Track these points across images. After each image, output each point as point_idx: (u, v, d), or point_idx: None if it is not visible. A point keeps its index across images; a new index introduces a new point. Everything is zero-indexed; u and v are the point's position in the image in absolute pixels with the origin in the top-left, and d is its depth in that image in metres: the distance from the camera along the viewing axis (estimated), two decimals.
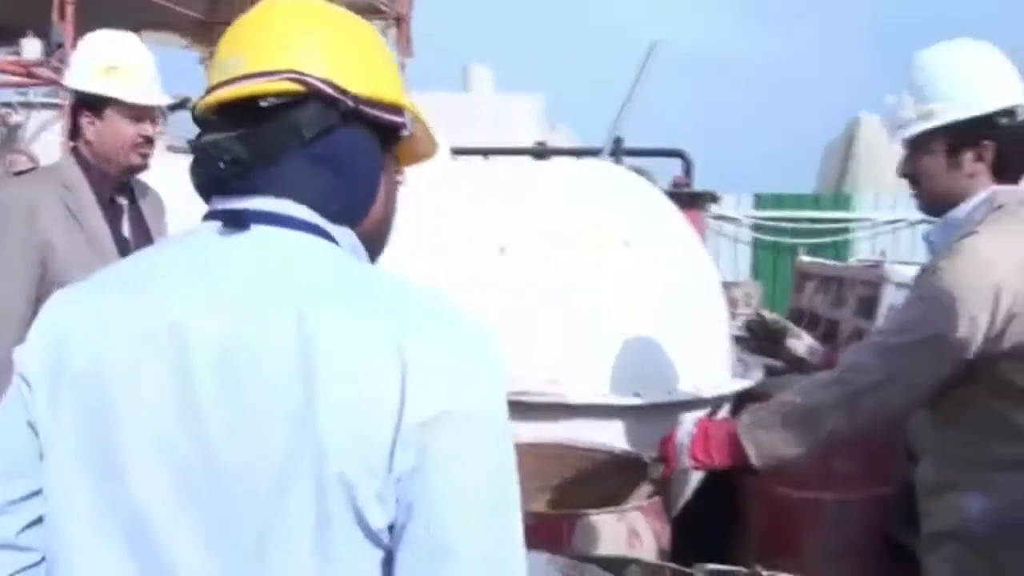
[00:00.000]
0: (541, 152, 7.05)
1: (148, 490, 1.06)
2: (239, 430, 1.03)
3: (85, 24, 7.22)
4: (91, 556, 1.09)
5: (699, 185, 7.06)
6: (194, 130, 1.26)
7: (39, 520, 1.19)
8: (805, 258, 8.25)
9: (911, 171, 2.26)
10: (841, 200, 12.07)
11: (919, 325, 2.07)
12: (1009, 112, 2.14)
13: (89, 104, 2.86)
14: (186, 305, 1.08)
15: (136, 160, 2.90)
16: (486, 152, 7.02)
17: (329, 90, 1.15)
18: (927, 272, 2.16)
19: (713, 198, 6.82)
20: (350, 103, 1.17)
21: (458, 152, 6.50)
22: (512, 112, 11.50)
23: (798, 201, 12.10)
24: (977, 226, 2.09)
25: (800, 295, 7.11)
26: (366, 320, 1.05)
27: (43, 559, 1.21)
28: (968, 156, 2.16)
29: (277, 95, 1.14)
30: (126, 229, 2.94)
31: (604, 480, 2.65)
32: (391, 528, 1.03)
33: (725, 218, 11.67)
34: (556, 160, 6.94)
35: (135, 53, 2.94)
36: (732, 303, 7.84)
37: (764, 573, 2.12)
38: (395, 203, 1.31)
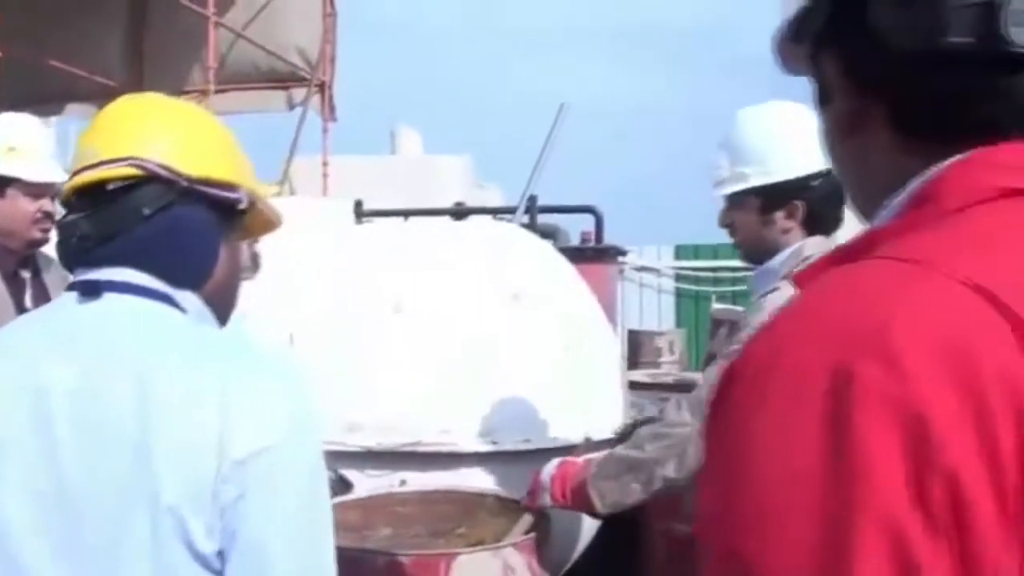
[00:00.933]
0: (459, 212, 7.22)
1: (15, 528, 1.22)
2: (88, 467, 1.20)
3: (7, 97, 7.30)
4: None
5: (616, 239, 7.27)
6: None
7: None
8: (717, 305, 8.51)
9: (728, 223, 2.43)
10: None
11: None
12: (822, 174, 2.27)
13: None
14: (46, 362, 1.25)
15: (37, 235, 3.01)
16: (406, 214, 7.16)
17: (165, 173, 1.33)
18: (735, 331, 2.32)
19: (619, 252, 7.03)
20: (184, 183, 1.34)
21: (377, 214, 6.66)
22: (439, 172, 11.68)
23: (716, 251, 12.41)
24: (781, 281, 2.23)
25: (714, 341, 7.34)
26: (194, 375, 1.22)
27: None
28: (780, 214, 2.32)
29: (121, 179, 1.32)
30: (28, 300, 3.04)
31: (491, 522, 2.79)
32: (220, 554, 1.19)
33: (647, 269, 11.93)
34: (473, 219, 7.11)
35: (33, 133, 3.07)
36: (657, 352, 8.05)
37: None
38: (238, 268, 1.49)
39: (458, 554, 2.31)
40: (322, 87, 10.94)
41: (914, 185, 0.87)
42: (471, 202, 8.99)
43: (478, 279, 3.49)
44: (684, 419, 2.28)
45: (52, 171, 3.03)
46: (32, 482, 1.22)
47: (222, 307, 1.45)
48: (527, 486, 3.06)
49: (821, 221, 2.34)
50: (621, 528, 3.59)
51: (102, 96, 10.88)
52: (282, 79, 10.97)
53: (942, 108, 0.86)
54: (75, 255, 1.34)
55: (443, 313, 3.36)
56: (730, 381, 0.78)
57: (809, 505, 0.68)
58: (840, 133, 0.97)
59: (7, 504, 1.22)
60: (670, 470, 2.29)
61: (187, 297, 1.36)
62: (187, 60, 10.64)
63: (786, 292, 2.19)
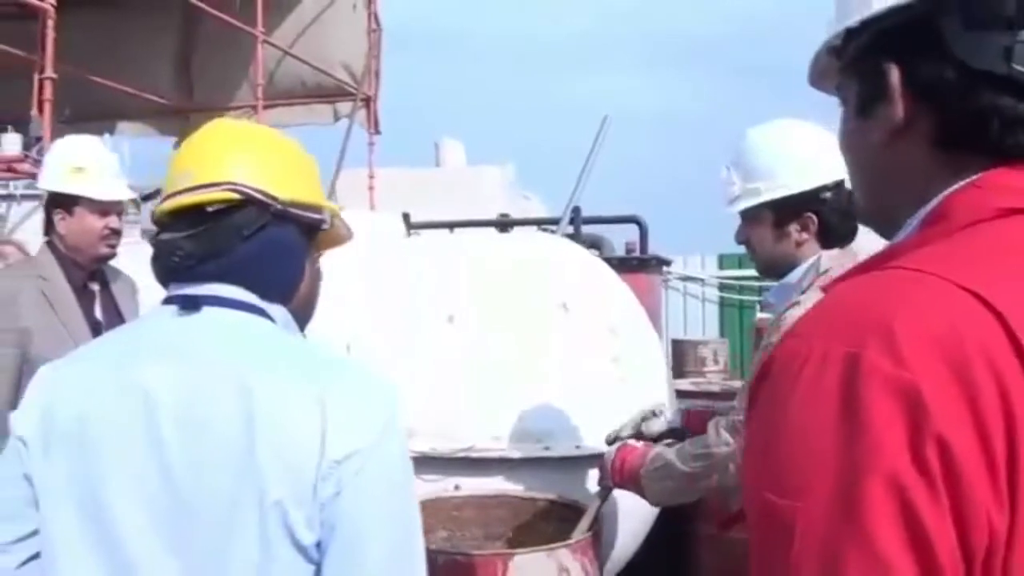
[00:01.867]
0: (504, 223, 7.31)
1: (126, 523, 1.32)
2: (197, 469, 1.30)
3: (60, 116, 7.49)
4: (81, 573, 1.34)
5: (660, 249, 7.31)
6: None
7: (34, 556, 1.44)
8: (761, 314, 8.51)
9: (745, 239, 2.51)
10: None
11: None
12: (832, 187, 2.35)
13: (60, 201, 3.13)
14: (152, 372, 1.36)
15: (104, 250, 3.16)
16: (451, 225, 7.26)
17: (261, 197, 1.44)
18: (761, 350, 2.39)
19: (663, 261, 7.07)
20: (278, 206, 1.46)
21: (424, 226, 6.77)
22: (482, 183, 11.78)
23: None
24: (801, 295, 2.30)
25: (758, 350, 7.36)
26: (293, 382, 1.33)
27: None
28: (794, 227, 2.39)
29: (220, 202, 1.42)
30: (98, 312, 3.19)
31: (544, 525, 2.87)
32: (318, 545, 1.30)
33: (691, 278, 11.96)
34: (519, 231, 7.21)
35: (100, 154, 3.22)
36: (701, 361, 8.07)
37: None
38: (318, 282, 1.60)
39: (515, 554, 2.39)
40: (367, 101, 11.12)
41: (932, 205, 1.01)
42: (514, 212, 9.09)
43: (528, 290, 3.57)
44: (725, 439, 2.37)
45: (118, 190, 3.18)
46: (142, 483, 1.32)
47: (304, 319, 1.57)
48: (576, 491, 3.16)
49: (835, 233, 2.40)
50: (673, 533, 3.66)
51: (152, 114, 11.16)
52: (328, 94, 11.18)
53: (985, 126, 0.97)
54: (174, 272, 1.44)
55: (495, 323, 3.44)
56: (766, 372, 0.94)
57: (829, 466, 0.83)
58: (881, 142, 1.06)
59: (119, 506, 1.32)
60: (712, 483, 2.41)
61: (276, 310, 1.48)
62: (235, 77, 10.87)
63: (807, 304, 2.27)
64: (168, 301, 1.46)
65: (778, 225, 2.41)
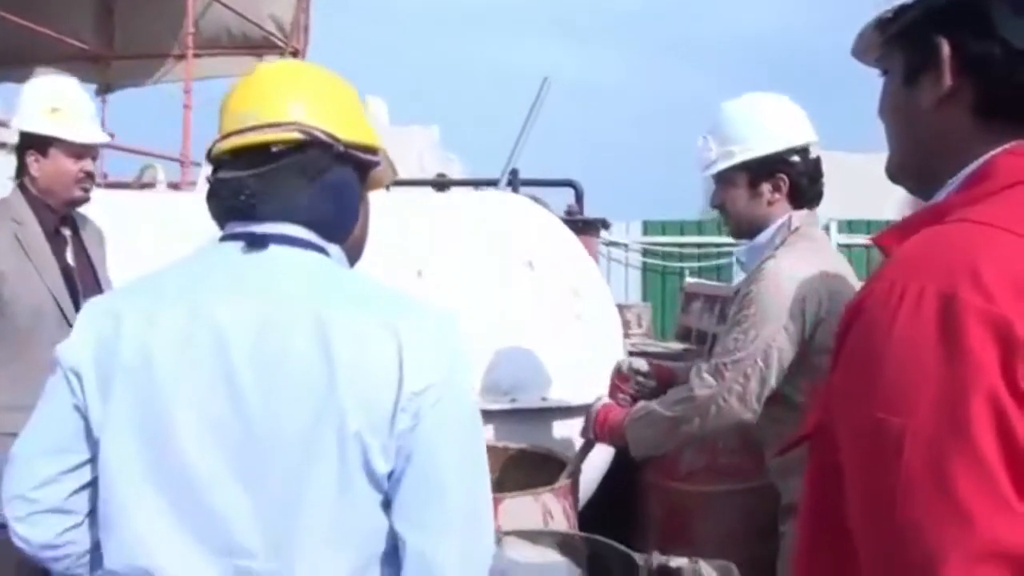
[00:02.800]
0: (442, 183, 7.34)
1: (193, 453, 1.35)
2: (272, 402, 1.33)
3: None
4: (145, 508, 1.37)
5: (589, 212, 7.42)
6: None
7: (82, 488, 1.47)
8: (691, 279, 8.73)
9: (720, 202, 2.70)
10: (723, 226, 12.58)
11: (741, 345, 2.44)
12: (800, 150, 2.58)
13: (34, 143, 3.08)
14: (223, 307, 1.38)
15: (78, 194, 3.12)
16: (387, 184, 7.24)
17: (325, 138, 1.46)
18: (740, 296, 2.55)
19: (604, 224, 7.19)
20: (340, 148, 1.48)
21: None
22: (409, 143, 11.74)
23: (682, 227, 12.63)
24: (776, 249, 2.51)
25: (687, 314, 7.56)
26: (367, 316, 1.37)
27: (84, 521, 1.49)
28: (766, 187, 2.59)
29: (285, 143, 1.45)
30: (70, 257, 3.15)
31: (517, 472, 2.98)
32: (390, 476, 1.35)
33: (616, 244, 12.14)
34: (455, 190, 7.25)
35: (75, 95, 3.17)
36: (625, 325, 8.24)
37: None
38: (367, 224, 1.63)
39: (504, 498, 2.49)
40: (295, 54, 10.95)
41: (973, 167, 1.16)
42: (438, 172, 9.11)
43: (494, 247, 3.65)
44: (707, 382, 2.48)
45: (94, 132, 3.14)
46: (212, 416, 1.34)
47: (354, 258, 1.61)
48: (543, 441, 3.28)
49: (804, 195, 2.61)
50: (622, 482, 3.80)
51: (71, 60, 10.82)
52: (255, 45, 10.94)
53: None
54: (237, 210, 1.46)
55: (462, 279, 3.52)
56: (858, 312, 1.07)
57: (933, 385, 0.96)
58: (927, 108, 1.20)
59: (186, 438, 1.35)
60: (694, 428, 2.51)
61: (333, 249, 1.51)
62: (158, 23, 10.55)
63: (782, 259, 2.46)
64: (229, 238, 1.48)
65: (752, 185, 2.60)
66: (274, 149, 1.44)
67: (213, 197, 1.49)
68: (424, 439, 1.34)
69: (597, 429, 2.80)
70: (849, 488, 1.03)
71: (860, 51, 1.36)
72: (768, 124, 2.58)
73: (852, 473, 1.03)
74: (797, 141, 2.57)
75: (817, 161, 2.63)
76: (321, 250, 1.48)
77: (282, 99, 1.48)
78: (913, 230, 1.12)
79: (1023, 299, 0.94)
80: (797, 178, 2.57)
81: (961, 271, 0.97)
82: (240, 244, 1.45)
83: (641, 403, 2.74)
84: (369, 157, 1.55)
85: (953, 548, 0.92)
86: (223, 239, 1.49)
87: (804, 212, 2.60)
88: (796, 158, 2.57)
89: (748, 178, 2.60)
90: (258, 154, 1.45)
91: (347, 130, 1.50)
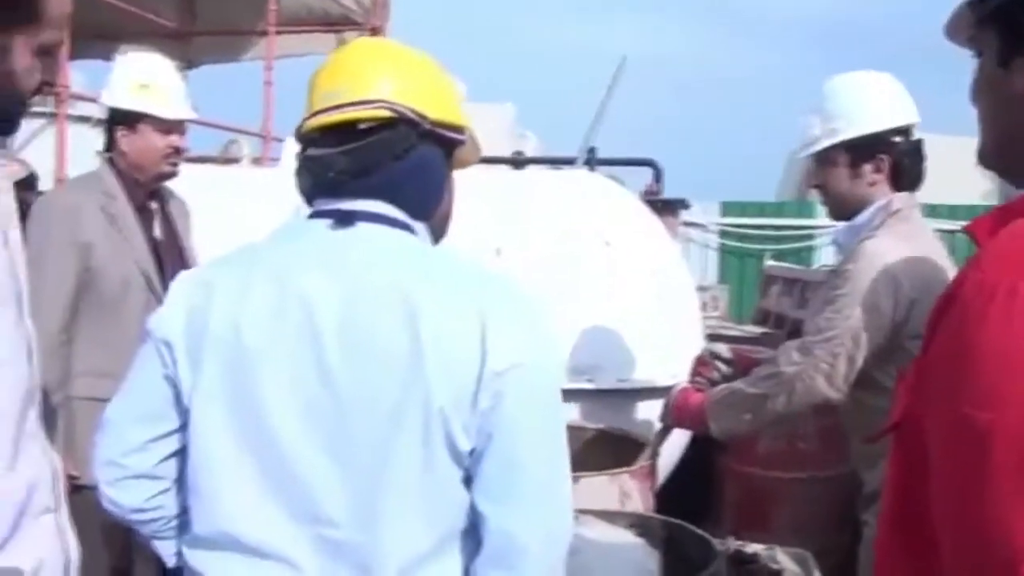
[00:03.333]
0: (518, 161, 7.34)
1: (281, 423, 1.38)
2: (359, 376, 1.35)
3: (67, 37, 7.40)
4: (233, 476, 1.40)
5: (668, 192, 7.37)
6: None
7: (171, 455, 1.51)
8: (771, 262, 8.61)
9: (820, 182, 2.64)
10: (804, 208, 12.41)
11: (832, 324, 2.39)
12: (903, 131, 2.51)
13: (123, 119, 3.13)
14: (312, 282, 1.40)
15: (166, 169, 3.17)
16: None
17: (413, 116, 1.46)
18: (835, 275, 2.50)
19: (683, 204, 7.15)
20: (427, 126, 1.48)
21: None
22: (485, 121, 11.73)
23: (762, 208, 12.45)
24: (875, 230, 2.45)
25: (766, 297, 7.47)
26: (453, 294, 1.38)
27: (172, 487, 1.53)
28: (868, 168, 2.52)
29: (373, 120, 1.45)
30: (157, 231, 3.21)
31: (594, 453, 2.97)
32: (471, 452, 1.37)
33: (693, 224, 12.02)
34: (532, 168, 7.24)
35: (165, 72, 3.22)
36: (702, 306, 8.19)
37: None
38: (453, 200, 1.63)
39: (580, 477, 2.48)
40: (375, 32, 11.01)
41: None
42: (512, 150, 9.10)
43: (572, 225, 3.64)
44: (794, 359, 2.44)
45: (182, 108, 3.19)
46: (300, 389, 1.37)
47: (439, 236, 1.60)
48: (618, 422, 3.27)
49: (904, 177, 2.54)
50: (698, 466, 3.78)
51: (153, 37, 11.00)
52: (335, 23, 11.03)
53: None
54: (325, 188, 1.47)
55: (540, 258, 3.51)
56: (952, 301, 1.05)
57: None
58: (1020, 93, 1.14)
59: (275, 410, 1.38)
60: (779, 405, 2.47)
61: (420, 228, 1.51)
62: (240, 1, 10.69)
63: (880, 240, 2.40)
64: (318, 214, 1.49)
65: (853, 165, 2.54)
66: (362, 126, 1.45)
67: (302, 174, 1.51)
68: (505, 418, 1.35)
69: (675, 414, 2.78)
70: (934, 481, 1.01)
71: (953, 31, 1.30)
72: (872, 103, 2.54)
73: (937, 466, 1.01)
74: (901, 121, 2.53)
75: (919, 143, 2.57)
76: (407, 227, 1.49)
77: (370, 77, 1.48)
78: (1006, 220, 1.09)
79: None
80: (899, 159, 2.52)
81: None
82: (328, 221, 1.46)
83: (723, 385, 2.71)
84: (455, 135, 1.55)
85: None
86: (312, 215, 1.51)
87: (905, 195, 2.54)
88: (899, 139, 2.52)
89: (850, 158, 2.54)
90: (346, 132, 1.45)
91: (434, 108, 1.50)
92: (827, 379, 2.40)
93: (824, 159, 2.60)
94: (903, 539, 1.09)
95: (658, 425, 2.92)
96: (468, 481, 1.39)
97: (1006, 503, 0.92)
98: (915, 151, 2.54)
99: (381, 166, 1.46)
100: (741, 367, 2.91)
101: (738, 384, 2.61)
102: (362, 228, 1.45)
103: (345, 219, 1.45)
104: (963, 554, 0.97)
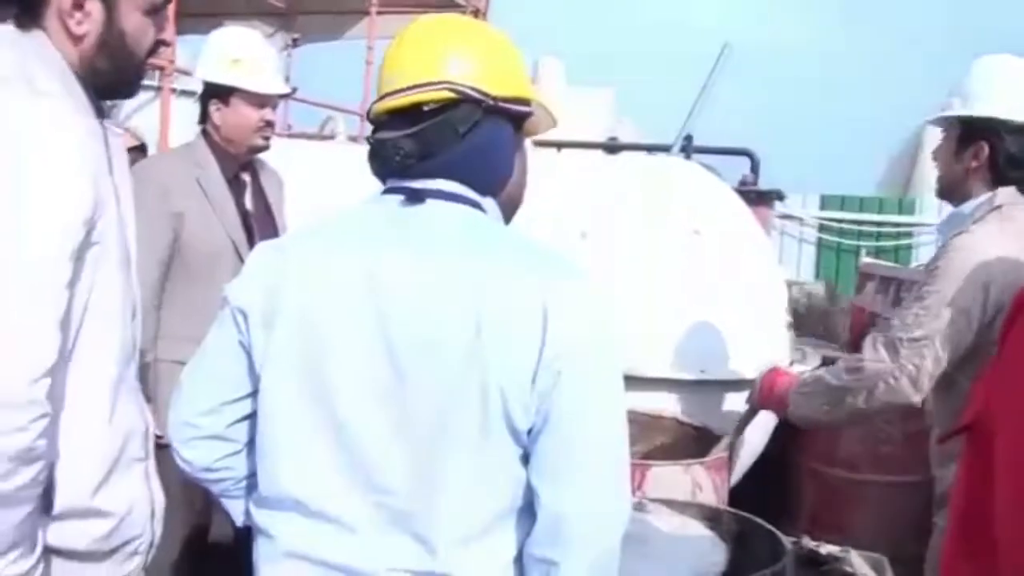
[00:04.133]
0: (614, 147, 7.30)
1: (347, 394, 1.41)
2: (423, 351, 1.37)
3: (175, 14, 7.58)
4: (298, 442, 1.44)
5: (764, 183, 7.25)
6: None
7: (242, 419, 1.55)
8: (867, 259, 8.40)
9: (935, 152, 2.56)
10: (906, 205, 12.07)
11: (920, 323, 2.31)
12: (1016, 128, 2.37)
13: (217, 92, 3.19)
14: (382, 258, 1.42)
15: (259, 142, 3.22)
16: (560, 145, 7.26)
17: (475, 95, 1.46)
18: (927, 271, 2.41)
19: (779, 196, 7.02)
20: (491, 102, 1.48)
21: (535, 144, 6.78)
22: (585, 105, 11.68)
23: (863, 203, 12.13)
24: (972, 224, 2.34)
25: (860, 295, 7.30)
26: (516, 273, 1.39)
27: (242, 449, 1.58)
28: (969, 152, 2.42)
29: (436, 101, 1.46)
30: (248, 202, 3.27)
31: (667, 442, 2.95)
32: (529, 432, 1.37)
33: (791, 217, 11.77)
34: (627, 154, 7.19)
35: (258, 47, 3.27)
36: (795, 302, 8.05)
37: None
38: (525, 174, 1.62)
39: (652, 465, 2.47)
40: (476, 13, 11.05)
41: None
42: (609, 134, 9.04)
43: (660, 212, 3.60)
44: (880, 356, 2.37)
45: (275, 83, 3.24)
46: (366, 361, 1.40)
47: (510, 211, 1.60)
48: (698, 413, 3.23)
49: (1005, 173, 2.41)
50: (777, 464, 3.72)
51: (259, 15, 11.22)
52: (437, 4, 11.10)
53: None
54: (395, 169, 1.49)
55: (626, 243, 3.48)
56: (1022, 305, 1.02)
57: None
58: None
59: (342, 381, 1.41)
60: (860, 401, 2.41)
61: (488, 203, 1.52)
62: None
63: (974, 235, 2.31)
64: (389, 191, 1.51)
65: (960, 145, 2.45)
66: (426, 108, 1.46)
67: (373, 157, 1.53)
68: (563, 399, 1.35)
69: (763, 395, 2.73)
70: (999, 487, 0.97)
71: None
72: (996, 88, 2.43)
73: (1003, 472, 0.96)
74: (1017, 115, 2.39)
75: None
76: (476, 204, 1.49)
77: (431, 57, 1.49)
78: None
79: None
80: (1000, 153, 2.40)
81: None
82: (399, 198, 1.48)
83: (812, 371, 2.67)
84: (522, 108, 1.54)
85: None
86: (384, 192, 1.53)
87: (1011, 190, 2.42)
88: (1009, 135, 2.39)
89: (958, 135, 2.46)
90: (411, 114, 1.47)
91: (498, 83, 1.50)
92: (912, 382, 2.33)
93: (943, 131, 2.52)
94: (968, 539, 1.05)
95: (736, 416, 2.89)
96: (526, 459, 1.40)
97: None
98: (1019, 152, 2.40)
99: (446, 146, 1.46)
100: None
101: (823, 372, 2.55)
102: (430, 205, 1.46)
103: (415, 197, 1.47)
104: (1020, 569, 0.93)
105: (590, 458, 1.38)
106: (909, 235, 11.66)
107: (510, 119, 1.54)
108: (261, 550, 1.50)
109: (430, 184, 1.47)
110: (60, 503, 1.60)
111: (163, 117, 7.11)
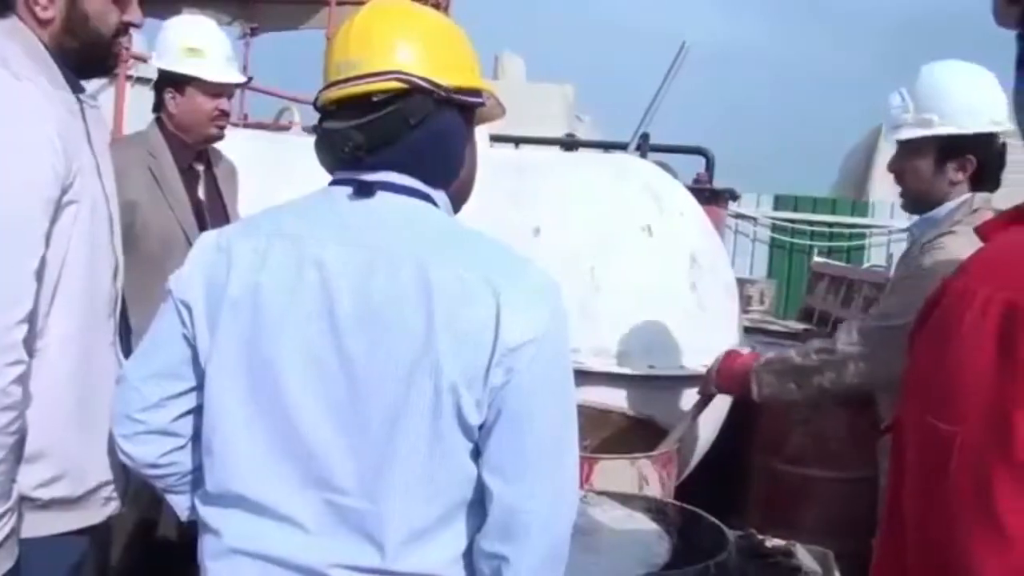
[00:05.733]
0: (570, 143, 7.32)
1: (295, 389, 1.40)
2: (372, 346, 1.36)
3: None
4: (244, 438, 1.43)
5: (718, 183, 7.30)
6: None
7: (187, 413, 1.53)
8: (819, 259, 8.51)
9: (899, 169, 2.56)
10: (859, 206, 12.23)
11: (897, 311, 2.36)
12: (995, 134, 2.43)
13: (172, 81, 3.18)
14: (329, 247, 1.41)
15: (213, 131, 3.22)
16: (518, 140, 7.27)
17: (427, 85, 1.44)
18: (906, 263, 2.46)
19: (733, 195, 7.08)
20: (443, 93, 1.46)
21: (497, 139, 6.78)
22: (544, 101, 11.68)
23: (816, 204, 12.28)
24: (954, 226, 2.39)
25: (812, 294, 7.40)
26: (469, 269, 1.37)
27: (187, 444, 1.56)
28: (952, 166, 2.45)
29: (386, 92, 1.43)
30: (201, 192, 3.26)
31: (616, 436, 2.98)
32: (480, 427, 1.37)
33: (744, 217, 11.88)
34: (584, 151, 7.22)
35: (214, 36, 3.26)
36: (747, 300, 8.11)
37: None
38: (475, 166, 1.61)
39: (600, 459, 2.50)
40: (437, 6, 11.02)
41: None
42: (567, 132, 9.06)
43: (612, 209, 3.63)
44: (852, 339, 2.42)
45: (230, 72, 3.23)
46: (314, 356, 1.38)
47: (460, 202, 1.59)
48: (644, 408, 3.27)
49: (986, 179, 2.47)
50: (725, 459, 3.77)
51: (217, 1, 11.08)
52: None
53: None
54: (345, 160, 1.46)
55: (579, 239, 3.51)
56: (938, 301, 1.03)
57: (986, 398, 0.90)
58: None
59: (289, 374, 1.39)
60: (827, 380, 2.46)
61: (439, 196, 1.50)
62: None
63: (962, 237, 2.34)
64: (338, 183, 1.49)
65: (939, 161, 2.48)
66: (375, 99, 1.44)
67: (321, 147, 1.50)
68: (516, 395, 1.35)
69: (722, 377, 2.76)
70: (907, 488, 1.00)
71: (999, 18, 1.26)
72: (973, 100, 2.46)
73: (911, 472, 0.99)
74: (998, 125, 2.44)
75: (1004, 147, 2.50)
76: (426, 197, 1.48)
77: (382, 46, 1.46)
78: (1016, 222, 1.05)
79: None
80: (985, 162, 2.46)
81: None
82: (348, 190, 1.46)
83: (775, 351, 2.71)
84: (473, 99, 1.53)
85: (989, 564, 0.87)
86: (332, 184, 1.51)
87: (985, 194, 2.49)
88: (990, 142, 2.46)
89: (937, 153, 2.48)
90: (360, 104, 1.44)
91: (450, 74, 1.48)
92: (884, 365, 2.36)
93: (910, 147, 2.53)
94: (890, 538, 1.08)
95: (693, 403, 2.93)
96: (476, 454, 1.40)
97: (962, 518, 0.91)
98: (1000, 156, 2.47)
99: (397, 138, 1.44)
100: None
101: (789, 352, 2.60)
102: (380, 198, 1.45)
103: (364, 189, 1.45)
104: (923, 567, 0.96)
105: (542, 453, 1.38)
106: (862, 236, 11.83)
107: (461, 110, 1.52)
108: (207, 546, 1.49)
109: (380, 176, 1.46)
110: (30, 448, 1.65)
111: (118, 104, 7.01)
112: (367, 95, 1.44)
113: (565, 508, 1.44)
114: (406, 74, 1.44)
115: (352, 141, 1.44)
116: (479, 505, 1.42)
